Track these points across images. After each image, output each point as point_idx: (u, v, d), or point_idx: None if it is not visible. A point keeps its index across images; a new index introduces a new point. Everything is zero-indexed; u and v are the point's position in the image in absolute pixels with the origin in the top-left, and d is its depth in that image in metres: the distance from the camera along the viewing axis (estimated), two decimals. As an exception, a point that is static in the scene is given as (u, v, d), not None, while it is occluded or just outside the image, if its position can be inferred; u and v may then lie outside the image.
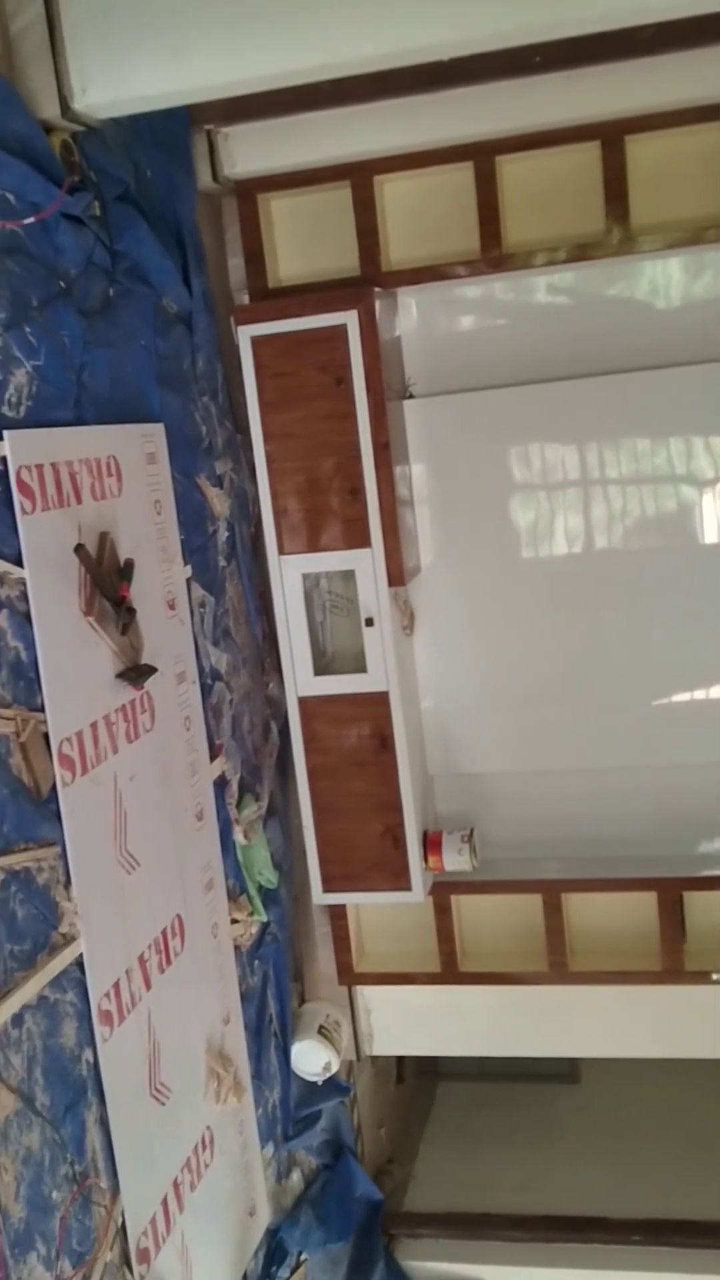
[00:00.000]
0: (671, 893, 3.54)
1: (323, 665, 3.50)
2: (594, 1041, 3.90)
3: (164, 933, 2.75)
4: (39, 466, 2.33)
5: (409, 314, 3.57)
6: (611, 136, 3.17)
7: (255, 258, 3.43)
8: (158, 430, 2.89)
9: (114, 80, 2.52)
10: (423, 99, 3.12)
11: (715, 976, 3.52)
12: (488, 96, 3.10)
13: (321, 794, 3.53)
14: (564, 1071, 4.88)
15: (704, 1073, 4.35)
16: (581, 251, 3.26)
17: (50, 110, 2.50)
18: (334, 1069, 3.63)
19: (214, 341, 3.32)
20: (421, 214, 3.37)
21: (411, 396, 3.59)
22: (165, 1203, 2.68)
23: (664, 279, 3.41)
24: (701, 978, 3.56)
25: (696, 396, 3.40)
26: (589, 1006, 3.74)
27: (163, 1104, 2.70)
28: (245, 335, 3.28)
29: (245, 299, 3.47)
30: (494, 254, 3.29)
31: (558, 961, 3.64)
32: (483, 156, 3.23)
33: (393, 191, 3.37)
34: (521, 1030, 3.86)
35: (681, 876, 3.54)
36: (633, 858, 3.66)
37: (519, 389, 3.52)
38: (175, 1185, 2.74)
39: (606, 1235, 4.02)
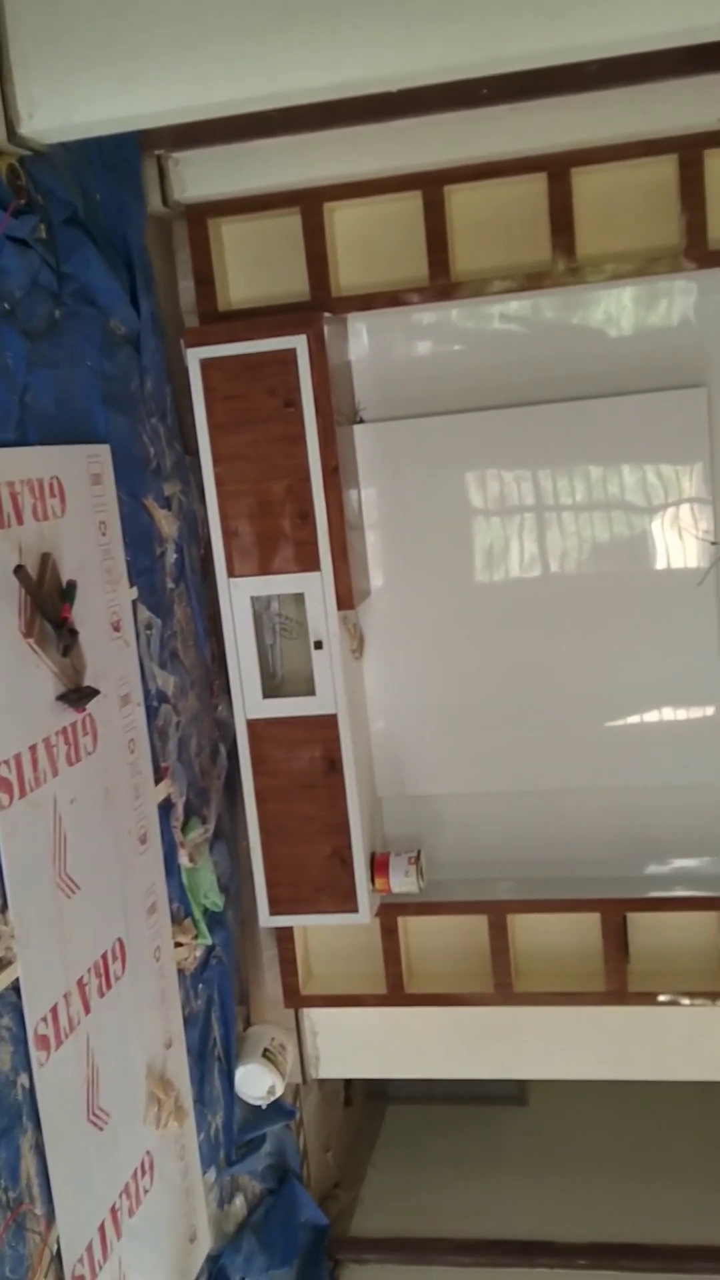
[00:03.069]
0: (615, 914, 3.56)
1: (272, 688, 3.51)
2: (540, 1063, 3.91)
3: (104, 956, 2.74)
4: (-21, 488, 2.33)
5: (359, 339, 3.59)
6: (558, 169, 3.22)
7: (205, 281, 3.45)
8: (103, 451, 2.90)
9: (62, 106, 2.53)
10: (372, 128, 3.15)
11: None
12: (436, 127, 3.15)
13: (270, 816, 3.53)
14: (513, 1094, 4.88)
15: (650, 1095, 4.37)
16: (530, 281, 3.30)
17: (-4, 134, 2.51)
18: (278, 1092, 3.62)
19: (163, 363, 3.33)
20: (371, 241, 3.41)
21: (362, 421, 3.61)
22: (102, 1229, 2.66)
23: (616, 308, 3.45)
24: (646, 999, 3.58)
25: (647, 424, 3.44)
26: (535, 1028, 3.75)
27: (101, 1129, 2.68)
28: (194, 358, 3.30)
29: (196, 322, 3.49)
30: (442, 281, 3.33)
31: (503, 983, 3.65)
32: (431, 186, 3.27)
33: (343, 218, 3.41)
34: (469, 1052, 3.86)
35: (624, 898, 3.57)
36: (582, 879, 3.69)
37: (470, 415, 3.56)
38: (113, 1211, 2.71)
39: (552, 1259, 4.02)
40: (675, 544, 3.52)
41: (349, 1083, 4.81)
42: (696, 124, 3.12)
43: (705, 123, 3.10)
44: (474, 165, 3.24)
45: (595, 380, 3.48)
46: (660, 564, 3.53)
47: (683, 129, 3.13)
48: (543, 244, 3.28)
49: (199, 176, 3.31)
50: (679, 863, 3.69)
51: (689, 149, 3.15)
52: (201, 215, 3.41)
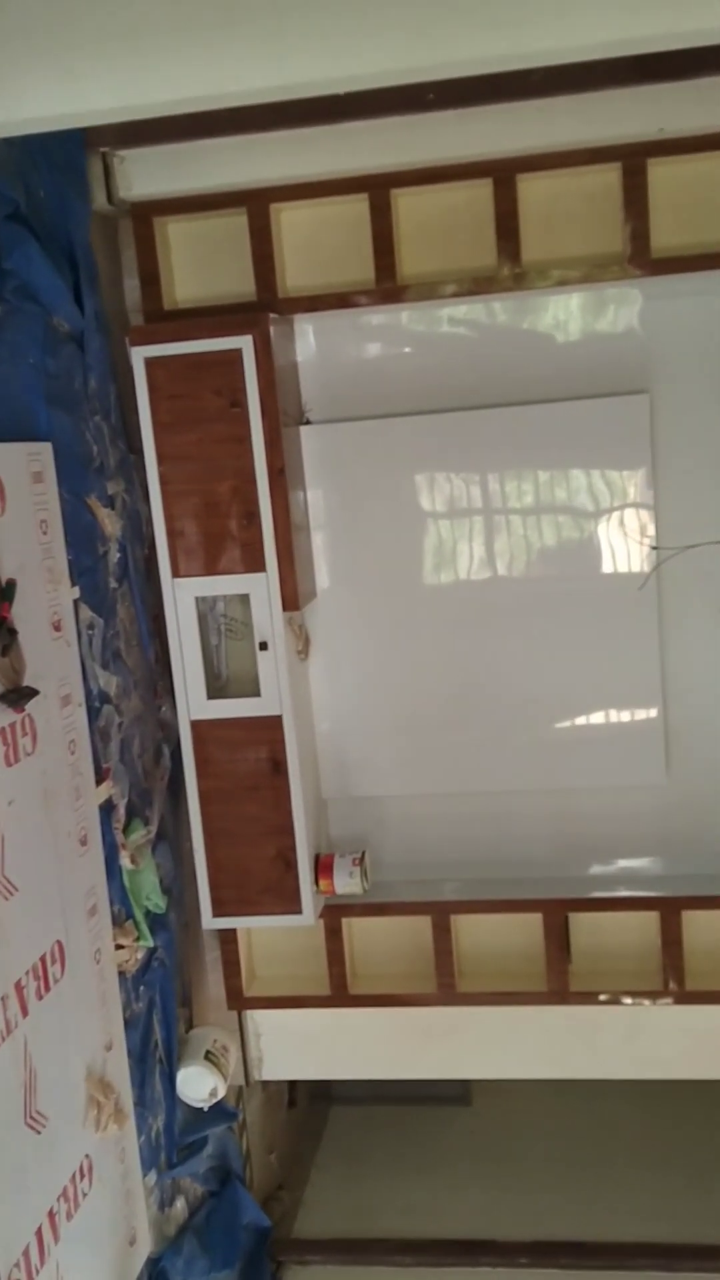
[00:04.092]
0: (556, 914, 3.59)
1: (217, 689, 3.50)
2: (483, 1063, 3.92)
3: (43, 959, 2.72)
4: None
5: (306, 341, 3.59)
6: (503, 174, 3.23)
7: (151, 280, 3.43)
8: (45, 449, 2.87)
9: (3, 101, 2.50)
10: (320, 130, 3.15)
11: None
12: (383, 131, 3.15)
13: (213, 818, 3.52)
14: (456, 1094, 4.89)
15: (592, 1094, 4.40)
16: (476, 285, 3.32)
17: (-64, 128, 2.49)
18: (220, 1094, 3.61)
19: (107, 361, 3.31)
20: (318, 243, 3.41)
21: (309, 422, 3.61)
22: (40, 1233, 2.63)
23: (563, 314, 3.48)
24: (587, 999, 3.61)
25: (593, 430, 3.47)
26: (478, 1028, 3.76)
27: (39, 1132, 2.66)
28: (139, 356, 3.28)
29: (141, 320, 3.47)
30: (389, 284, 3.33)
31: (446, 983, 3.67)
32: (378, 189, 3.28)
33: (289, 220, 3.40)
34: (412, 1053, 3.87)
35: (565, 898, 3.60)
36: (525, 880, 3.71)
37: (416, 418, 3.57)
38: (50, 1215, 2.69)
39: (494, 1258, 4.04)
40: (619, 548, 3.55)
41: (293, 1084, 4.80)
42: (640, 133, 3.14)
43: (648, 132, 3.14)
44: (421, 169, 3.25)
45: (541, 385, 3.51)
46: (604, 568, 3.57)
47: (626, 137, 3.16)
48: (489, 249, 3.29)
49: (145, 174, 3.29)
50: (622, 863, 3.73)
51: (632, 158, 3.18)
52: (147, 213, 3.39)
